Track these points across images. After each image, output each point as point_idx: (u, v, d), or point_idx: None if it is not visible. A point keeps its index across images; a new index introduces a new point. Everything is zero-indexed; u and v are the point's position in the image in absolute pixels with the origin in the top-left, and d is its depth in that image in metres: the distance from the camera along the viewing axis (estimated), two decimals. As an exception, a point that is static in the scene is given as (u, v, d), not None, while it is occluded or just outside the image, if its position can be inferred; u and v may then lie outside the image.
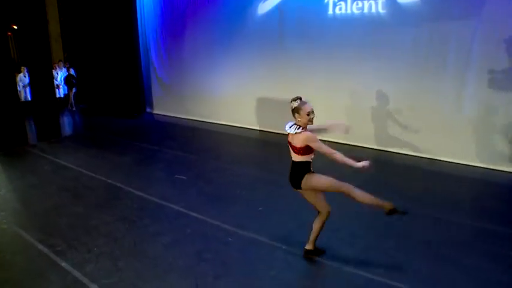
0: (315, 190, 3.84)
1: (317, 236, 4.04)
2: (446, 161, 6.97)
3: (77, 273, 3.80)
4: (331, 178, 3.76)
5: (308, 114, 3.72)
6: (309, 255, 4.08)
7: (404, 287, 3.54)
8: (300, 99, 3.76)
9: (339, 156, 3.55)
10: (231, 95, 9.62)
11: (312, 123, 3.82)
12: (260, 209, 5.14)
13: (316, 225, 4.01)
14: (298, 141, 3.77)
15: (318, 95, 7.50)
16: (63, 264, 3.96)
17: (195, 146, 8.19)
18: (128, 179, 6.11)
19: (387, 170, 6.61)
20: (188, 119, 10.53)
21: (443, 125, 6.98)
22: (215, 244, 4.29)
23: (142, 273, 3.81)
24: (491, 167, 6.61)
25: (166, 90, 11.19)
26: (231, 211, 5.05)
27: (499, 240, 4.36)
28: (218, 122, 9.98)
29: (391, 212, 3.78)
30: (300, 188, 3.86)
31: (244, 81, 9.29)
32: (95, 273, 3.80)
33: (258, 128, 9.29)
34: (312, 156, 3.84)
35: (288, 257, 4.08)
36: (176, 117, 10.84)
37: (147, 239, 4.41)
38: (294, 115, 3.80)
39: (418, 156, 7.19)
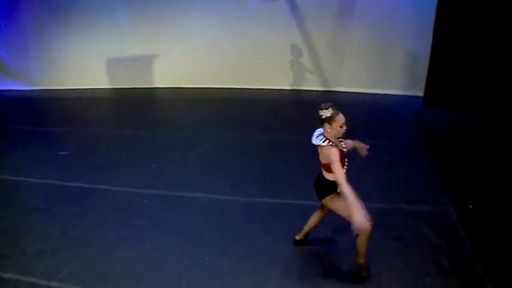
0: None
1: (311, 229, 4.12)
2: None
3: (27, 278, 3.96)
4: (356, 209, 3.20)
5: (341, 127, 3.44)
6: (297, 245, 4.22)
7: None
8: (332, 107, 3.44)
9: (346, 189, 3.24)
10: (75, 57, 9.08)
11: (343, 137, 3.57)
12: (154, 166, 5.84)
13: (314, 219, 4.04)
14: (323, 156, 3.51)
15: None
16: (7, 275, 3.99)
17: (59, 117, 7.99)
18: (12, 168, 5.98)
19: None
20: (33, 90, 9.68)
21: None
22: (136, 209, 4.89)
23: (89, 257, 4.17)
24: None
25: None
26: (129, 175, 5.62)
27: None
28: (66, 87, 9.43)
29: (359, 267, 3.72)
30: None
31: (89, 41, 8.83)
32: (45, 272, 4.01)
33: (111, 87, 9.18)
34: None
35: (195, 202, 5.00)
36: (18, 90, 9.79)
37: (71, 223, 4.72)
38: (323, 125, 3.49)
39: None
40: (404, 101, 7.85)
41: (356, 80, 8.04)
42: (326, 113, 3.41)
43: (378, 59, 7.83)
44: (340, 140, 3.60)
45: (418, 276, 3.86)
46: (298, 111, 7.55)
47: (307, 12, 7.87)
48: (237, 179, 5.45)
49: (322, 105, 3.45)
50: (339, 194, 3.50)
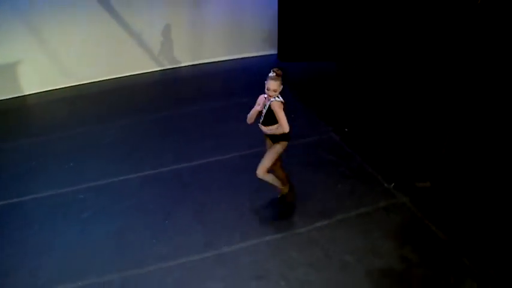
0: None
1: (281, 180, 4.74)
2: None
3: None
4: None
5: (267, 89, 4.24)
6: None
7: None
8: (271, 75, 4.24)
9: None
10: None
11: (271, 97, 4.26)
12: (71, 164, 5.84)
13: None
14: None
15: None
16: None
17: None
18: None
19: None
20: None
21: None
22: (78, 205, 5.02)
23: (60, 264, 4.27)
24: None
25: None
26: (51, 178, 5.54)
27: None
28: None
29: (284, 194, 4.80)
30: None
31: None
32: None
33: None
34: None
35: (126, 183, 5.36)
36: None
37: (16, 237, 4.61)
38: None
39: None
40: (262, 60, 8.91)
41: (216, 50, 8.83)
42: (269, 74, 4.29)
43: (232, 27, 8.70)
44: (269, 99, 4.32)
45: (330, 186, 5.04)
46: (172, 88, 8.05)
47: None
48: (150, 156, 5.87)
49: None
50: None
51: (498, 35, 5.11)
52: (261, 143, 4.72)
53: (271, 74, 4.23)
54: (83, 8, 7.96)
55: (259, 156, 4.54)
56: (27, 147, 6.35)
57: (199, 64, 8.92)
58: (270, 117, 4.30)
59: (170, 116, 6.94)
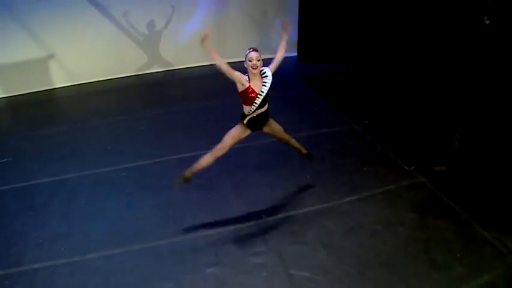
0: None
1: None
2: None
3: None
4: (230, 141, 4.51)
5: (250, 61, 4.23)
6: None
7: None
8: (251, 48, 4.29)
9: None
10: None
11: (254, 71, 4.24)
12: (109, 148, 6.39)
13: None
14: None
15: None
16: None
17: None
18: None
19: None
20: None
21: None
22: (123, 184, 5.52)
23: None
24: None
25: None
26: (92, 158, 6.11)
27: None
28: None
29: (186, 180, 4.71)
30: None
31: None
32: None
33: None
34: (248, 108, 4.37)
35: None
36: None
37: (64, 209, 5.13)
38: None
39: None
40: (285, 60, 9.44)
41: (239, 50, 9.38)
42: (245, 52, 4.27)
43: (255, 30, 9.30)
44: (262, 75, 4.35)
45: (356, 168, 5.61)
46: (202, 83, 8.60)
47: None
48: (185, 141, 6.41)
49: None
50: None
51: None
52: (288, 125, 5.20)
53: (249, 49, 4.28)
54: (115, 6, 8.58)
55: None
56: (65, 133, 6.91)
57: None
58: (266, 97, 4.37)
59: (203, 107, 7.50)
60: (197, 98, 7.97)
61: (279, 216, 4.84)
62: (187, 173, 4.68)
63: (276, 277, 4.04)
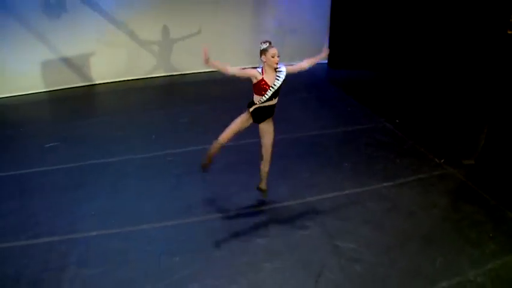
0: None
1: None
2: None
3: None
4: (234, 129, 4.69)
5: (273, 57, 4.35)
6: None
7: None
8: (268, 42, 4.40)
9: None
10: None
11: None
12: (153, 136, 6.89)
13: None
14: None
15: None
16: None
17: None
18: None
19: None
20: None
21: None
22: (171, 167, 5.98)
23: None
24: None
25: None
26: (137, 144, 6.60)
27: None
28: None
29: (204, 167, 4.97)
30: None
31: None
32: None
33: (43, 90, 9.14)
34: (258, 98, 4.51)
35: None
36: None
37: (114, 187, 5.62)
38: (261, 56, 4.41)
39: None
40: (313, 67, 9.98)
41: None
42: (262, 46, 4.39)
43: (290, 38, 9.88)
44: (277, 70, 4.49)
45: (390, 159, 6.06)
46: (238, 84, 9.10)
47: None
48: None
49: (261, 40, 4.45)
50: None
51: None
52: (325, 123, 5.72)
53: (266, 42, 4.41)
54: (155, 8, 9.19)
55: (326, 135, 5.81)
56: (107, 123, 7.42)
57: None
58: (277, 91, 4.55)
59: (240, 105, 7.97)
60: (235, 97, 8.44)
61: (322, 197, 5.28)
62: (203, 160, 4.98)
63: (323, 247, 4.47)
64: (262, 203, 5.18)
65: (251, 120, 4.67)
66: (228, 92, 8.84)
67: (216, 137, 4.80)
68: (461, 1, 7.61)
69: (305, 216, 4.95)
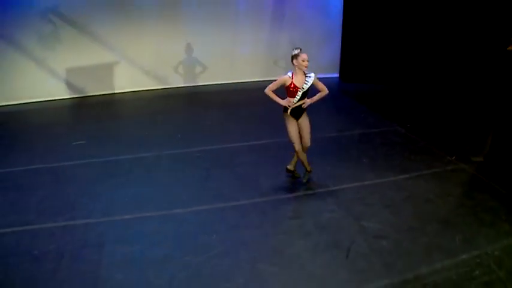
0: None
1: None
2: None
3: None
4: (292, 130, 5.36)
5: (303, 61, 5.04)
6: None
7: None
8: (299, 49, 5.10)
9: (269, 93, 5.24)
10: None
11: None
12: (179, 135, 7.34)
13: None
14: None
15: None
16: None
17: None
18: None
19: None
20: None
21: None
22: (200, 161, 6.45)
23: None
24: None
25: None
26: (165, 142, 7.07)
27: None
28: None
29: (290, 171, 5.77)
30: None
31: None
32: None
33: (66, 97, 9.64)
34: (291, 99, 5.21)
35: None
36: None
37: (146, 178, 6.06)
38: (292, 60, 5.13)
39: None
40: (327, 80, 10.51)
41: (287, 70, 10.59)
42: (294, 52, 5.12)
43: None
44: (306, 75, 5.22)
45: (405, 156, 6.51)
46: (256, 94, 9.69)
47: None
48: (252, 133, 7.42)
49: (294, 47, 5.20)
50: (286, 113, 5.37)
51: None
52: (341, 126, 6.21)
53: (298, 49, 5.11)
54: (182, 23, 9.79)
55: (343, 137, 6.37)
56: (134, 125, 7.99)
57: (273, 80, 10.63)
58: (306, 92, 5.26)
59: (265, 111, 8.38)
60: (251, 104, 8.95)
61: (344, 186, 5.68)
62: (290, 167, 5.73)
63: (350, 227, 4.83)
64: (288, 190, 5.61)
65: (294, 119, 5.33)
66: (244, 100, 9.38)
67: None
68: (467, 13, 8.27)
69: (330, 201, 5.32)
